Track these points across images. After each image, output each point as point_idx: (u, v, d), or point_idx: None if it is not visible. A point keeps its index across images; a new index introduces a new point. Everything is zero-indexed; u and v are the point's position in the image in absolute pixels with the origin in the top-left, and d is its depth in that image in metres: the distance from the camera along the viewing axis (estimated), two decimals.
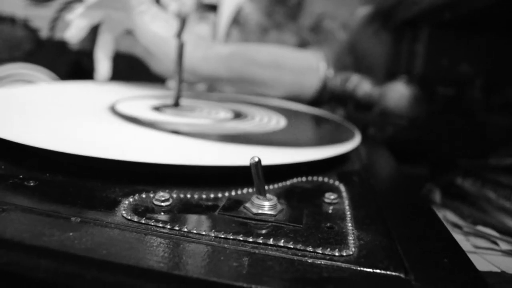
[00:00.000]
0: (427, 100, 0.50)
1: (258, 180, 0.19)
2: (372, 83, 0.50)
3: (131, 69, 0.57)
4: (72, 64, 0.95)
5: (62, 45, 0.99)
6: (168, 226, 0.17)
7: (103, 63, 0.45)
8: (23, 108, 0.32)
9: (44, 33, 0.93)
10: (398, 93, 0.46)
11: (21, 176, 0.22)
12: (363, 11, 0.75)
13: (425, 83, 0.63)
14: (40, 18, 0.95)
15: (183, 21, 0.35)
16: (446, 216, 0.34)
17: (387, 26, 0.76)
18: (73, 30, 0.43)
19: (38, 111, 0.32)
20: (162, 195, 0.20)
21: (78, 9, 0.42)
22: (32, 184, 0.21)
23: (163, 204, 0.19)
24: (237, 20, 0.83)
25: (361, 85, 0.50)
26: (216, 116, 0.37)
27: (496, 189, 0.42)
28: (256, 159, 0.19)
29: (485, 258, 0.26)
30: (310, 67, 0.48)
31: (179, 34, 0.35)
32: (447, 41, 0.68)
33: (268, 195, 0.20)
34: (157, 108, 0.38)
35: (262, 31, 0.83)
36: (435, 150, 0.54)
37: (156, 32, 0.42)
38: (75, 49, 0.80)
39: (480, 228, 0.29)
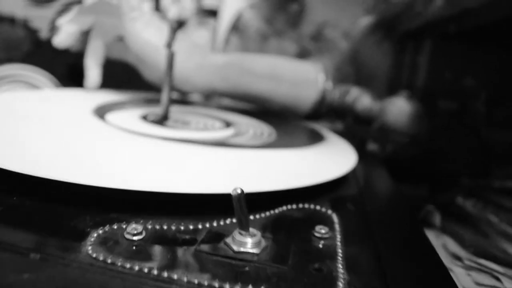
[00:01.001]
0: (429, 115, 0.48)
1: (241, 214, 0.18)
2: (373, 97, 0.48)
3: (125, 76, 0.55)
4: (71, 66, 0.93)
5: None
6: (137, 268, 0.16)
7: (93, 71, 0.44)
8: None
9: (43, 34, 0.92)
10: (399, 108, 0.45)
11: None
12: (366, 21, 0.73)
13: (427, 96, 0.61)
14: (40, 19, 0.93)
15: (174, 30, 0.33)
16: (446, 244, 0.32)
17: (390, 36, 0.74)
18: (62, 36, 0.41)
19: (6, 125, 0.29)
20: (135, 227, 0.18)
21: (69, 14, 0.41)
22: None
23: (134, 238, 0.18)
24: (236, 27, 0.82)
25: (361, 99, 0.48)
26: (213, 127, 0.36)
27: (498, 213, 0.40)
28: (239, 191, 0.17)
29: None
30: (308, 79, 0.47)
31: (169, 44, 0.33)
32: (451, 54, 0.66)
33: (251, 230, 0.18)
34: (145, 119, 0.36)
35: (262, 39, 0.82)
36: (436, 167, 0.52)
37: (147, 39, 0.40)
38: (74, 51, 0.78)
39: (483, 261, 0.28)
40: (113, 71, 0.49)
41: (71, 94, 0.43)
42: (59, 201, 0.21)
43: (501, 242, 0.35)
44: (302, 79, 0.47)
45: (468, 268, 0.27)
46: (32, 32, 0.92)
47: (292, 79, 0.46)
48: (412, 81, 0.71)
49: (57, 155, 0.24)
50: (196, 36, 0.88)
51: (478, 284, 0.25)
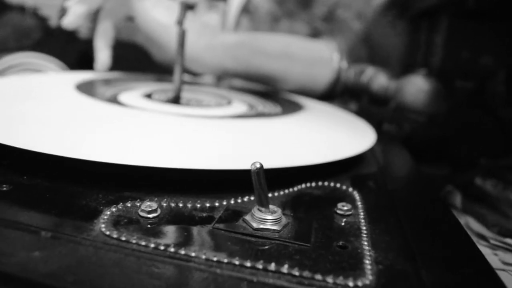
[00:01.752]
0: (447, 95, 0.47)
1: (260, 190, 0.17)
2: (388, 76, 0.47)
3: (135, 58, 0.55)
4: (81, 53, 0.93)
5: (71, 34, 0.97)
6: (152, 245, 0.15)
7: (103, 52, 0.43)
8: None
9: (53, 21, 0.91)
10: (417, 87, 0.43)
11: None
12: (379, 0, 0.71)
13: (443, 76, 0.59)
14: (49, 7, 0.93)
15: (184, 6, 0.32)
16: (469, 224, 0.31)
17: (404, 15, 0.72)
18: (70, 17, 0.40)
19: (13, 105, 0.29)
20: (149, 204, 0.17)
21: None
22: (5, 188, 0.19)
23: (149, 215, 0.17)
24: (247, 9, 0.80)
25: (377, 78, 0.46)
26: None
27: None
28: (258, 165, 0.16)
29: None
30: (323, 58, 0.45)
31: (180, 21, 0.32)
32: (468, 32, 0.64)
33: (271, 207, 0.17)
34: (149, 97, 0.35)
35: (273, 20, 0.80)
36: (455, 148, 0.50)
37: (157, 19, 0.39)
38: (84, 38, 0.77)
39: (509, 241, 0.26)
40: (122, 52, 0.49)
41: (81, 76, 0.42)
42: (70, 180, 0.20)
43: None
44: (316, 58, 0.45)
45: (494, 247, 0.26)
46: (42, 20, 0.91)
47: (305, 58, 0.45)
48: (428, 60, 0.69)
49: (67, 133, 0.23)
50: (206, 19, 0.87)
51: (505, 263, 0.24)
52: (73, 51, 0.91)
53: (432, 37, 0.68)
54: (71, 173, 0.20)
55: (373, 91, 0.46)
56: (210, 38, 0.42)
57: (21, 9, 0.90)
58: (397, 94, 0.44)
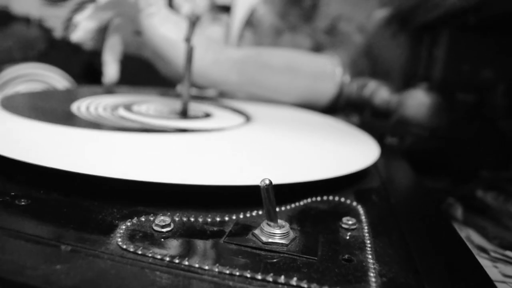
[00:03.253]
0: (448, 108, 0.48)
1: (269, 205, 0.17)
2: (390, 90, 0.47)
3: (140, 72, 0.56)
4: (85, 64, 0.94)
5: (75, 45, 0.99)
6: (167, 259, 0.15)
7: (111, 66, 0.44)
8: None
9: (58, 33, 0.93)
10: (418, 101, 0.44)
11: (12, 194, 0.20)
12: (381, 13, 0.72)
13: (444, 89, 0.60)
14: (54, 18, 0.95)
15: (192, 24, 0.33)
16: (470, 237, 0.31)
17: (405, 29, 0.73)
18: (80, 32, 0.41)
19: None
20: (163, 219, 0.18)
21: (86, 11, 0.41)
22: (23, 203, 0.19)
23: (163, 230, 0.18)
24: (250, 22, 0.81)
25: (379, 92, 0.47)
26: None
27: None
28: (267, 182, 0.17)
29: None
30: (326, 73, 0.46)
31: (188, 38, 0.33)
32: (468, 45, 0.65)
33: (280, 221, 0.18)
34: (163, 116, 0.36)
35: (276, 33, 0.81)
36: (456, 160, 0.51)
37: (165, 35, 0.40)
38: (88, 49, 0.78)
39: (510, 253, 0.27)
40: (129, 66, 0.50)
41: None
42: (85, 195, 0.21)
43: None
44: (320, 72, 0.46)
45: (495, 260, 0.26)
46: (46, 32, 0.93)
47: (309, 72, 0.46)
48: (429, 73, 0.70)
49: (82, 150, 0.24)
50: (210, 32, 0.88)
51: (506, 275, 0.24)
52: (77, 62, 0.92)
53: (433, 50, 0.69)
54: (86, 188, 0.21)
55: (375, 104, 0.47)
56: (217, 53, 0.43)
57: (27, 20, 0.92)
58: (399, 107, 0.45)
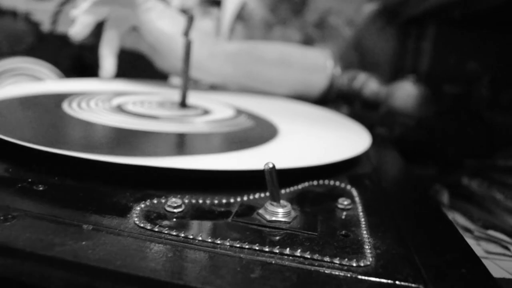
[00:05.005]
0: (434, 100, 0.50)
1: (273, 187, 0.19)
2: (379, 81, 0.49)
3: (134, 65, 0.56)
4: (74, 58, 0.94)
5: (64, 39, 0.99)
6: (182, 235, 0.17)
7: (108, 60, 0.45)
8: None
9: (45, 26, 0.92)
10: (406, 92, 0.46)
11: (29, 180, 0.21)
12: (369, 7, 0.74)
13: (431, 81, 0.62)
14: (41, 12, 0.94)
15: (190, 19, 0.34)
16: (456, 219, 0.33)
17: (393, 23, 0.75)
18: (78, 27, 0.42)
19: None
20: (174, 201, 0.19)
21: (83, 5, 0.42)
22: (41, 188, 0.21)
23: (175, 210, 0.19)
24: (241, 16, 0.82)
25: (368, 84, 0.49)
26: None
27: (504, 191, 0.42)
28: (271, 165, 0.19)
29: (497, 264, 0.25)
30: (318, 65, 0.48)
31: (187, 33, 0.34)
32: (454, 39, 0.67)
33: (282, 202, 0.20)
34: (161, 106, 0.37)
35: (266, 27, 0.82)
36: (442, 149, 0.53)
37: (162, 29, 0.41)
38: (77, 43, 0.78)
39: (491, 232, 0.29)
40: (124, 60, 0.50)
41: (94, 83, 0.44)
42: (98, 181, 0.22)
43: (507, 217, 0.37)
44: (312, 65, 0.48)
45: (478, 238, 0.29)
46: (34, 25, 0.92)
47: (301, 65, 0.47)
48: (416, 66, 0.72)
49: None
50: (200, 26, 0.89)
51: (488, 252, 0.27)
52: (66, 56, 0.92)
53: (420, 43, 0.71)
54: (97, 174, 0.22)
55: (365, 96, 0.49)
56: (212, 46, 0.44)
57: (13, 14, 0.91)
58: (388, 99, 0.47)
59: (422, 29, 0.70)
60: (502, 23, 0.59)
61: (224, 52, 0.45)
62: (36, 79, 0.56)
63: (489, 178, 0.46)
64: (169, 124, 0.32)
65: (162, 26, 0.41)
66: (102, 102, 0.37)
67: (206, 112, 0.37)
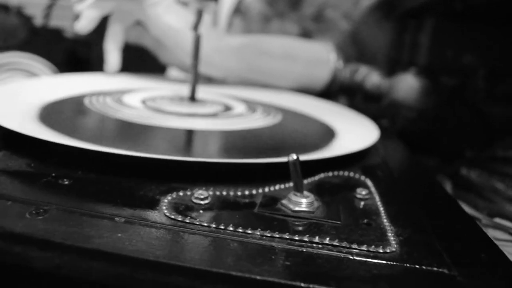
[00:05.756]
0: (435, 92, 0.51)
1: (297, 178, 0.20)
2: (381, 74, 0.50)
3: (132, 59, 0.56)
4: (68, 52, 0.93)
5: (57, 33, 0.98)
6: (214, 225, 0.18)
7: (113, 54, 0.45)
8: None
9: (38, 20, 0.91)
10: (408, 84, 0.47)
11: (53, 174, 0.22)
12: (367, 1, 0.75)
13: (429, 73, 0.63)
14: (33, 6, 0.93)
15: (200, 13, 0.34)
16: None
17: (390, 16, 0.76)
18: (84, 22, 0.42)
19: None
20: (201, 193, 0.20)
21: (88, 0, 0.41)
22: (66, 182, 0.21)
23: (202, 202, 0.20)
24: (239, 9, 0.82)
25: (370, 77, 0.50)
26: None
27: (505, 180, 0.43)
28: (294, 157, 0.19)
29: (506, 251, 0.26)
30: (321, 59, 0.48)
31: (196, 27, 0.34)
32: (452, 32, 0.68)
33: (305, 192, 0.20)
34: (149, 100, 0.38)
35: (264, 20, 0.82)
36: (442, 140, 0.54)
37: (169, 24, 0.41)
38: (71, 37, 0.78)
39: (498, 220, 0.30)
40: (126, 55, 0.50)
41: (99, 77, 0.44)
42: (121, 174, 0.22)
43: (509, 206, 0.38)
44: (315, 58, 0.48)
45: (485, 226, 0.29)
46: (26, 19, 0.91)
47: (305, 58, 0.48)
48: (413, 59, 0.72)
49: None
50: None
51: (496, 239, 0.27)
52: (59, 50, 0.91)
53: (418, 36, 0.72)
54: (119, 168, 0.23)
55: (367, 89, 0.49)
56: (217, 40, 0.45)
57: (5, 8, 0.90)
58: (390, 91, 0.48)
59: (420, 22, 0.71)
60: (499, 16, 0.60)
61: (229, 46, 0.45)
62: (30, 74, 0.55)
63: (489, 168, 0.47)
64: (211, 121, 0.33)
65: (169, 20, 0.41)
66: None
67: (228, 108, 0.38)
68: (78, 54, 0.97)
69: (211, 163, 0.22)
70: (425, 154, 0.49)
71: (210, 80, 0.58)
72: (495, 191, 0.42)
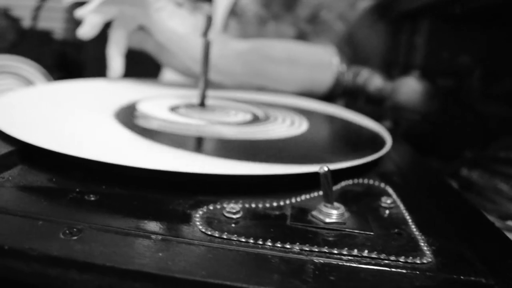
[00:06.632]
0: (437, 94, 0.51)
1: (328, 189, 0.20)
2: (383, 77, 0.50)
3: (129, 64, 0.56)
4: (58, 55, 0.92)
5: (45, 35, 0.96)
6: (251, 241, 0.17)
7: (116, 60, 0.44)
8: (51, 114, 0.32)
9: (26, 22, 0.90)
10: (411, 88, 0.47)
11: (77, 190, 0.21)
12: (364, 3, 0.75)
13: (425, 75, 0.64)
14: (21, 8, 0.91)
15: (209, 19, 0.34)
16: None
17: (385, 17, 0.76)
18: (87, 27, 0.42)
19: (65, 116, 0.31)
20: (233, 207, 0.20)
21: (91, 5, 0.41)
22: (93, 198, 0.21)
23: (234, 216, 0.20)
24: (234, 12, 0.82)
25: (372, 80, 0.50)
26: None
27: (508, 181, 0.44)
28: (326, 169, 0.19)
29: None
30: (324, 63, 0.49)
31: (205, 33, 0.34)
32: (447, 33, 0.69)
33: (335, 203, 0.20)
34: (176, 108, 0.37)
35: (260, 22, 0.82)
36: (442, 141, 0.55)
37: (173, 29, 0.41)
38: (60, 39, 0.76)
39: (510, 223, 0.31)
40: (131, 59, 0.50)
41: (101, 84, 0.44)
42: (146, 188, 0.22)
43: None
44: (318, 62, 0.48)
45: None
46: (14, 21, 0.89)
47: (308, 63, 0.48)
48: (409, 61, 0.73)
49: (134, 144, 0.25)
50: (190, 22, 0.88)
51: None
52: (49, 52, 0.90)
53: (413, 38, 0.73)
54: (143, 181, 0.23)
55: (370, 92, 0.50)
56: (221, 45, 0.45)
57: None
58: (392, 94, 0.48)
59: (415, 24, 0.72)
60: (493, 17, 0.61)
61: (234, 51, 0.45)
62: (20, 77, 0.54)
63: (490, 169, 0.48)
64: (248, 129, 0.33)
65: (174, 25, 0.41)
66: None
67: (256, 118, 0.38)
68: (68, 56, 0.95)
69: (235, 176, 0.22)
70: (426, 155, 0.50)
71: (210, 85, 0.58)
72: (498, 192, 0.43)
